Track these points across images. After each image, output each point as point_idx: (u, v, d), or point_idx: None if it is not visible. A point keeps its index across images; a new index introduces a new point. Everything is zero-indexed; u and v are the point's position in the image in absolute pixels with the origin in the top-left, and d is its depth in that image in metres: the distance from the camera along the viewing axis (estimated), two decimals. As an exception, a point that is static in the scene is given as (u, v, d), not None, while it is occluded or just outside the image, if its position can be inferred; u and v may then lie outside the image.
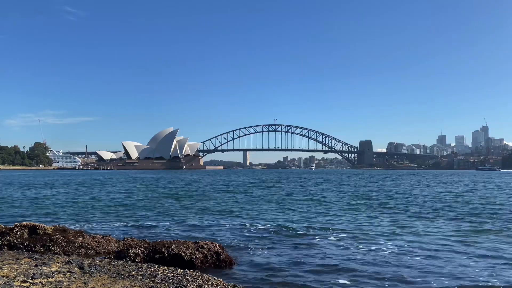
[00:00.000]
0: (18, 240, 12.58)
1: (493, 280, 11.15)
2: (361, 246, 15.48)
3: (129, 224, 20.95)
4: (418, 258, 13.60)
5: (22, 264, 9.12)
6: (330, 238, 17.23)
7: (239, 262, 12.85)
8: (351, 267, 12.49)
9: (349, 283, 10.98)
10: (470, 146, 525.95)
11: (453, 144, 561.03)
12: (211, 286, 8.59)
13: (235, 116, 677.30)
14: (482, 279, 11.28)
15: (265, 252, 14.52)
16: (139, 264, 10.43)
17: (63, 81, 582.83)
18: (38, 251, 12.01)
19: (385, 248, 15.10)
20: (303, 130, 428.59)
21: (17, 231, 12.82)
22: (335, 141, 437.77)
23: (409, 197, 41.62)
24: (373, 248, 15.22)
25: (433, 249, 15.07)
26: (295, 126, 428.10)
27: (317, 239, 17.01)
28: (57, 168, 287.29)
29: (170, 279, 8.73)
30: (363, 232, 18.88)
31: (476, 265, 12.79)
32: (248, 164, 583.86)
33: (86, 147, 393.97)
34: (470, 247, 15.52)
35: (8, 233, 12.78)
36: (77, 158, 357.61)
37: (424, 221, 22.66)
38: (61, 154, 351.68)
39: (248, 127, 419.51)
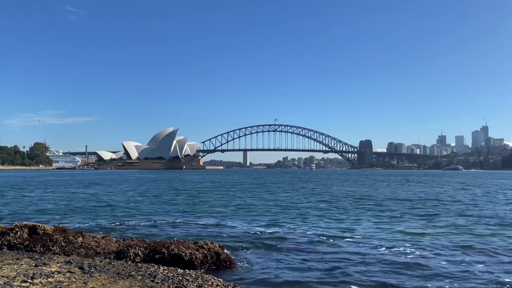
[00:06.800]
0: (18, 240, 12.57)
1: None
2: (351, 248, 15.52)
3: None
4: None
5: (22, 264, 9.11)
6: (332, 240, 17.22)
7: (239, 262, 12.84)
8: (351, 270, 12.49)
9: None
10: (470, 146, 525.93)
11: (453, 144, 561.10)
12: (211, 286, 8.58)
13: (235, 116, 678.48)
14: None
15: (265, 253, 14.51)
16: (139, 264, 10.42)
17: (63, 81, 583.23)
18: (38, 251, 11.99)
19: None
20: (303, 130, 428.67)
21: (17, 231, 12.80)
22: (335, 141, 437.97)
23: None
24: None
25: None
26: (295, 126, 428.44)
27: (325, 242, 16.99)
28: (57, 168, 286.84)
29: (170, 279, 8.72)
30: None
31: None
32: (248, 164, 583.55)
33: (86, 147, 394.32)
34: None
35: (8, 233, 12.76)
36: (77, 158, 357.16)
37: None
38: (61, 154, 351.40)
39: (248, 127, 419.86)
